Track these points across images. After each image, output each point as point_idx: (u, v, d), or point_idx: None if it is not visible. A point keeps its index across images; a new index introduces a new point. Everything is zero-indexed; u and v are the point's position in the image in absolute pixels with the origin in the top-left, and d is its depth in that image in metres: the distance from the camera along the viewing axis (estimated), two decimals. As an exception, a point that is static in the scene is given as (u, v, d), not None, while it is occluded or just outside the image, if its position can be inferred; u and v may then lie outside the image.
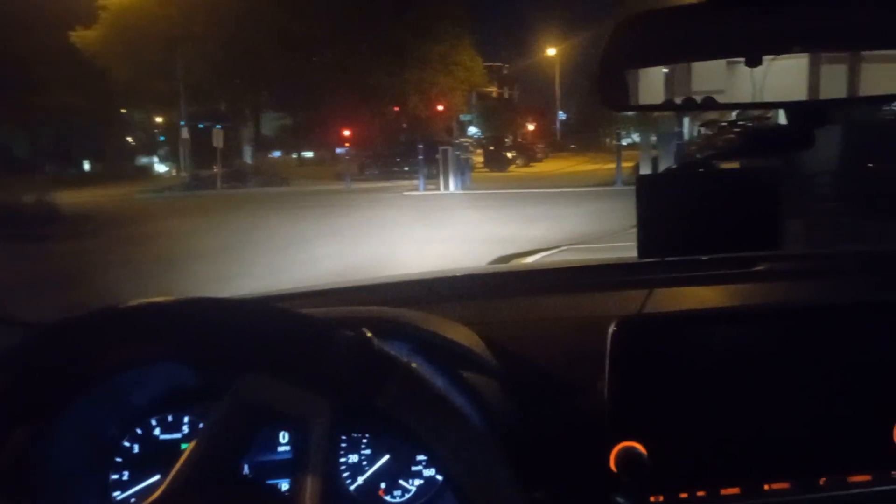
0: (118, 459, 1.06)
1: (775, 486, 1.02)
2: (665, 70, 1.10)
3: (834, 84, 1.12)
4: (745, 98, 1.04)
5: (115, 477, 1.05)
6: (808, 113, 1.04)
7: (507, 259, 7.20)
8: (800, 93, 1.08)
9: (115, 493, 1.05)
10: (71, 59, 23.25)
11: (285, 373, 0.73)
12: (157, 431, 1.09)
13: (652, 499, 1.01)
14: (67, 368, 0.77)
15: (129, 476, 1.06)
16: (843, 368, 1.07)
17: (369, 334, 0.74)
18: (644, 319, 1.12)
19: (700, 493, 1.02)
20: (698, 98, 1.08)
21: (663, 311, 1.17)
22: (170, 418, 1.09)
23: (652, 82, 1.08)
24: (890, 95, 1.13)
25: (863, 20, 0.93)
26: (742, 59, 0.99)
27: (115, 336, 0.77)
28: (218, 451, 0.74)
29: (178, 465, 0.74)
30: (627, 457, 1.01)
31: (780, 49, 0.99)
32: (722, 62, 1.08)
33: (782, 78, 1.02)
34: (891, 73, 1.06)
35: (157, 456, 1.06)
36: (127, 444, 1.06)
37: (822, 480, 1.02)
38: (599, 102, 0.95)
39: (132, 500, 1.06)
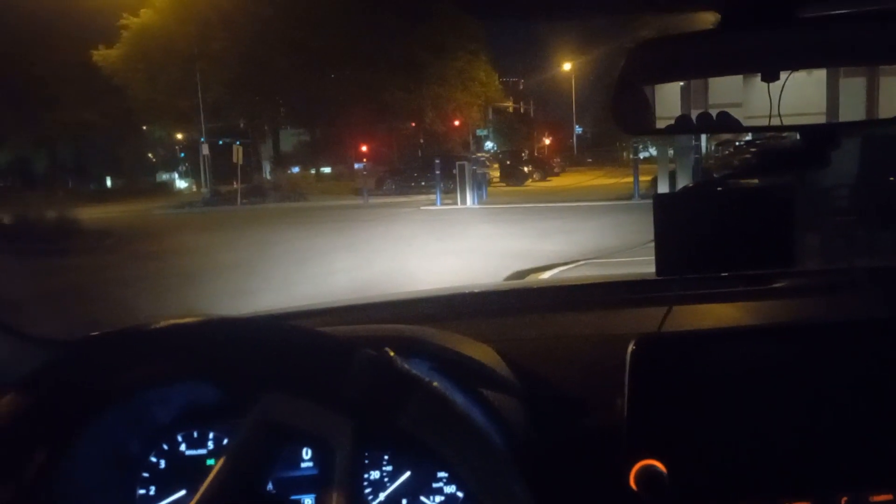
0: (145, 475, 1.07)
1: None
2: (681, 84, 1.11)
3: (852, 100, 1.12)
4: (763, 112, 1.05)
5: (141, 492, 1.07)
6: (824, 134, 1.05)
7: (524, 274, 7.21)
8: (817, 108, 1.08)
9: None
10: (92, 76, 23.68)
11: (308, 392, 0.74)
12: (182, 447, 1.10)
13: None
14: (91, 387, 0.79)
15: (156, 491, 1.07)
16: (862, 385, 1.06)
17: (392, 353, 0.75)
18: (663, 337, 1.12)
19: None
20: (714, 113, 1.08)
21: (682, 328, 1.17)
22: (195, 434, 1.11)
23: (668, 96, 1.09)
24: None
25: (874, 43, 0.93)
26: (757, 81, 1.00)
27: (139, 355, 0.79)
28: (244, 468, 0.76)
29: (206, 483, 0.75)
30: (647, 475, 1.01)
31: (795, 65, 1.00)
32: (739, 83, 1.09)
33: (800, 91, 1.02)
34: None
35: (183, 471, 1.08)
36: (153, 459, 1.08)
37: (844, 499, 1.02)
38: (617, 126, 0.97)
39: None
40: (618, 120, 0.96)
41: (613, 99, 0.93)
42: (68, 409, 0.79)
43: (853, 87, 1.10)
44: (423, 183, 24.17)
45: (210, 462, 1.10)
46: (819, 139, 1.03)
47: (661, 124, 1.10)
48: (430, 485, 1.11)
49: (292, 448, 1.09)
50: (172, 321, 0.79)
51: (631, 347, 1.07)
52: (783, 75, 0.98)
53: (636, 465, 1.01)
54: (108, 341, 0.81)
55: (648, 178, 18.03)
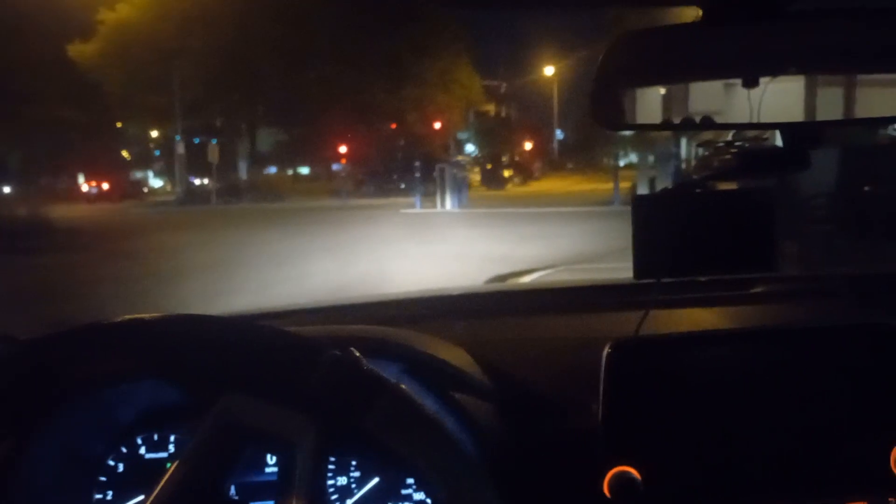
0: (102, 478, 1.03)
1: None
2: (662, 91, 1.10)
3: (830, 107, 1.11)
4: (743, 120, 1.04)
5: (98, 496, 1.03)
6: (804, 134, 1.04)
7: (504, 278, 7.21)
8: (796, 115, 1.08)
9: None
10: (66, 71, 23.33)
11: (268, 392, 0.71)
12: (142, 450, 1.07)
13: None
14: (48, 382, 0.76)
15: (114, 496, 1.03)
16: (838, 392, 1.06)
17: (357, 354, 0.72)
18: (639, 341, 1.10)
19: None
20: (695, 119, 1.07)
21: (659, 332, 1.15)
22: (156, 437, 1.07)
23: (649, 103, 1.07)
24: (886, 118, 1.13)
25: (860, 42, 0.92)
26: (739, 81, 0.98)
27: (97, 351, 0.76)
28: (200, 471, 0.73)
29: (160, 486, 0.72)
30: (621, 481, 0.99)
31: (776, 70, 0.99)
32: (719, 84, 1.07)
33: (779, 100, 1.01)
34: (887, 97, 1.05)
35: (143, 475, 1.04)
36: (112, 462, 1.04)
37: None
38: (594, 121, 0.94)
39: None
40: (596, 116, 0.94)
41: (592, 94, 0.91)
42: (24, 405, 0.76)
43: (831, 97, 1.10)
44: (402, 185, 24.19)
45: (170, 466, 1.06)
46: (799, 139, 1.02)
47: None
48: (399, 491, 1.08)
49: (255, 452, 1.06)
50: (130, 317, 0.75)
51: (606, 350, 1.05)
52: (763, 83, 0.96)
53: (610, 471, 1.00)
54: (65, 337, 0.78)
55: (629, 184, 18.17)
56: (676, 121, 1.10)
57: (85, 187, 28.88)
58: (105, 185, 27.67)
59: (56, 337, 0.77)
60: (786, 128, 1.03)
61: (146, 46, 23.52)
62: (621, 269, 1.38)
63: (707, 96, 1.12)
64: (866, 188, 5.90)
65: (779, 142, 1.10)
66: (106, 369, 0.77)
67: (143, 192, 26.67)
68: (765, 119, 1.02)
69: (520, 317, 1.35)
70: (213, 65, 24.53)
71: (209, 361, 0.74)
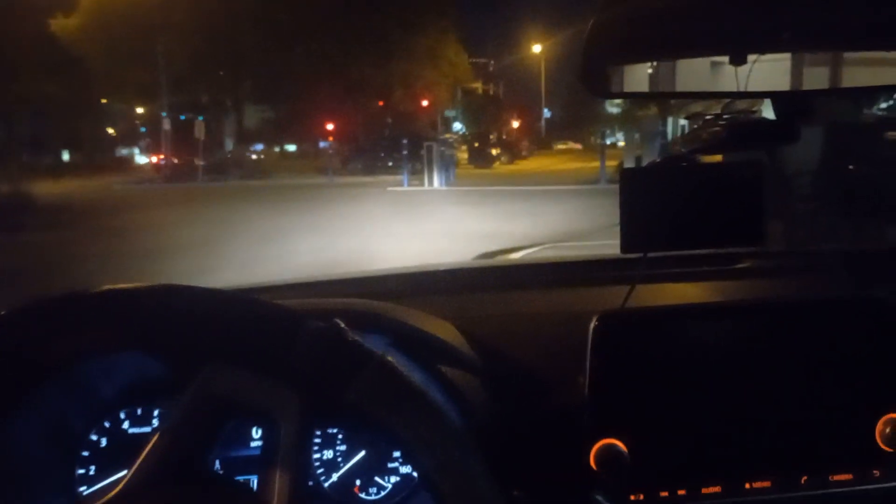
0: (85, 453, 1.02)
1: (756, 484, 1.01)
2: (650, 70, 1.09)
3: (818, 79, 1.11)
4: (732, 89, 1.03)
5: (81, 471, 1.02)
6: (793, 104, 1.03)
7: (491, 255, 7.21)
8: (784, 86, 1.07)
9: (81, 488, 1.01)
10: (49, 46, 22.92)
11: (250, 363, 0.70)
12: (125, 425, 1.05)
13: (632, 497, 1.00)
14: (27, 356, 0.75)
15: (97, 470, 1.02)
16: (824, 366, 1.06)
17: (342, 325, 0.71)
18: (626, 314, 1.10)
19: (680, 492, 1.00)
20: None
21: (645, 305, 1.15)
22: (139, 411, 1.06)
23: (636, 82, 1.06)
24: (872, 87, 1.12)
25: (848, 19, 0.91)
26: (726, 59, 0.97)
27: (76, 322, 0.74)
28: (181, 444, 0.71)
29: (140, 460, 0.71)
30: (607, 454, 0.99)
31: (766, 45, 0.98)
32: (706, 62, 1.06)
33: (766, 79, 1.00)
34: (873, 75, 1.05)
35: (126, 450, 1.03)
36: (94, 437, 1.03)
37: (804, 479, 1.01)
38: (584, 89, 0.93)
39: (98, 495, 1.02)
40: (586, 83, 0.92)
41: (582, 61, 0.90)
42: (3, 380, 0.75)
43: (818, 76, 1.09)
44: (389, 163, 24.02)
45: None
46: (788, 110, 1.01)
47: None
48: (386, 465, 1.08)
49: (240, 425, 1.05)
50: (107, 287, 0.74)
51: (593, 324, 1.04)
52: (750, 61, 0.95)
53: (596, 444, 1.00)
54: (42, 309, 0.76)
55: (615, 162, 18.18)
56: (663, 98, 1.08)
57: (155, 159, 29.59)
58: (175, 160, 28.09)
59: (31, 310, 0.75)
60: (775, 97, 1.02)
61: (130, 21, 23.09)
62: (608, 247, 1.38)
63: (695, 75, 1.11)
64: (851, 167, 5.93)
65: (767, 115, 1.09)
66: (84, 341, 0.75)
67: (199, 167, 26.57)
68: (753, 88, 1.01)
69: (507, 292, 1.34)
70: (197, 40, 24.14)
71: (189, 332, 0.73)
